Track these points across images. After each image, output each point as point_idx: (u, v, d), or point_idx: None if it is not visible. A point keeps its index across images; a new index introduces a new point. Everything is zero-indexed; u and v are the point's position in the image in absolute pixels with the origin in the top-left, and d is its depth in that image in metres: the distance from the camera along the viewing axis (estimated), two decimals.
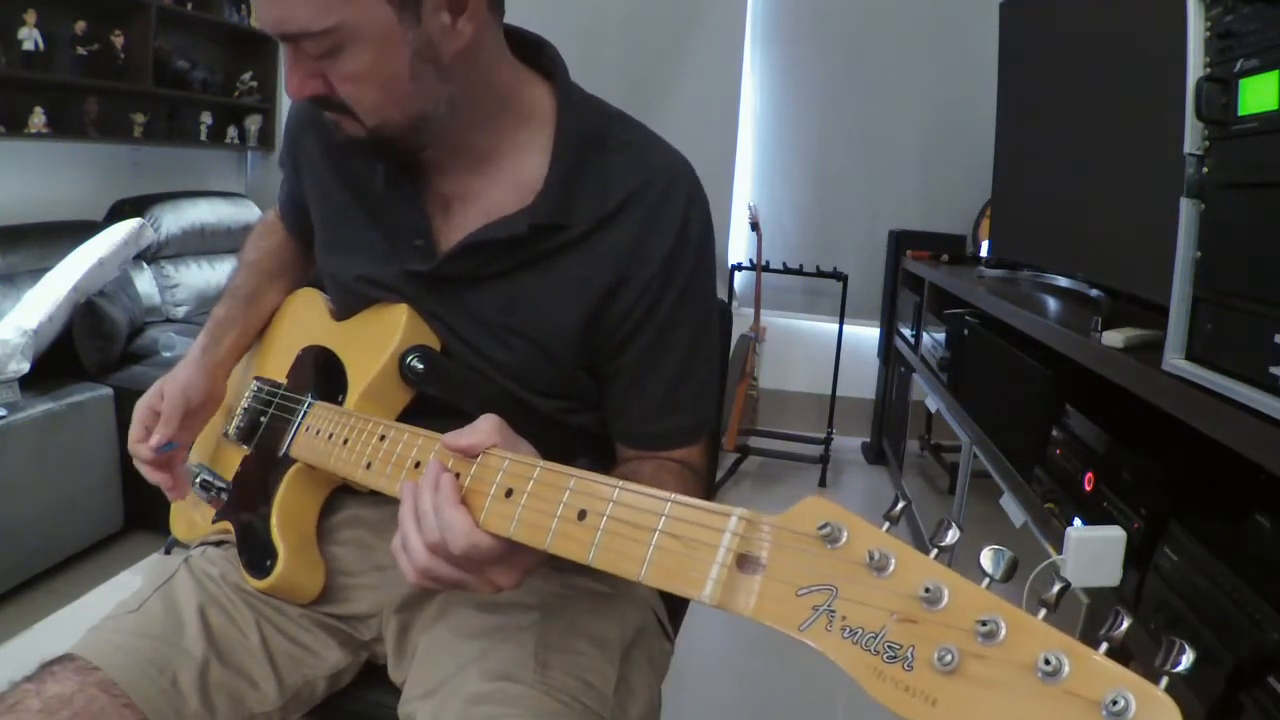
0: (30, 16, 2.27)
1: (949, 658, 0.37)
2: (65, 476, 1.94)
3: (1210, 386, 0.80)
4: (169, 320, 2.70)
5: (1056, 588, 0.39)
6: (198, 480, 0.90)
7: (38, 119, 2.37)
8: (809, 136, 3.34)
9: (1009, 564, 0.40)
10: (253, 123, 3.31)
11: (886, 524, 0.43)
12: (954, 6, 3.07)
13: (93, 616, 0.76)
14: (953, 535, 0.42)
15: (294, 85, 0.69)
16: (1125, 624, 0.36)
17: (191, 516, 0.95)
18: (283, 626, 0.80)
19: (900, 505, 0.45)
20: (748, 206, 3.13)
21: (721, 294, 3.17)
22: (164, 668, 0.71)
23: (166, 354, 2.27)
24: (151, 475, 0.85)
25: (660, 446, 0.80)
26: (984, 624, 0.37)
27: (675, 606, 0.93)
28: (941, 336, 2.13)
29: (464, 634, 0.76)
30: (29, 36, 2.27)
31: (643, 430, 0.81)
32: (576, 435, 0.84)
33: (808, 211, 3.39)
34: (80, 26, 2.44)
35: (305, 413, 0.83)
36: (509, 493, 0.58)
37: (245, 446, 0.89)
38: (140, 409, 0.86)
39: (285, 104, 3.30)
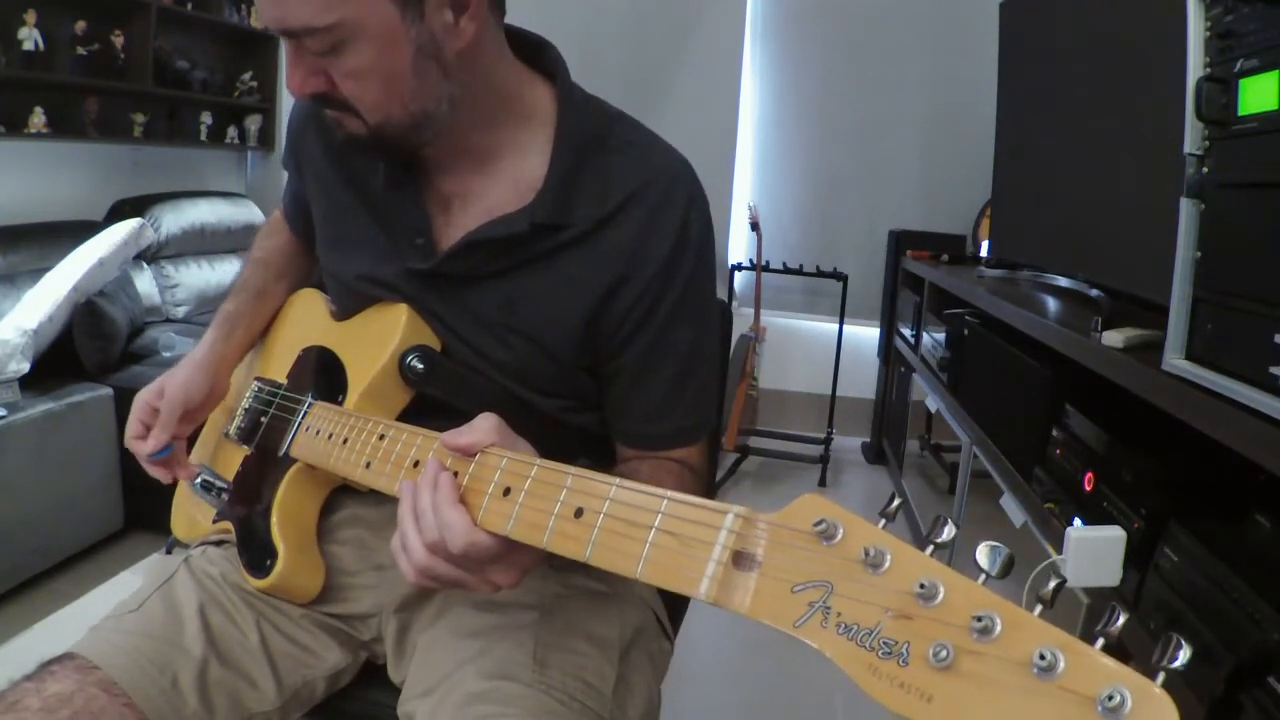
0: (30, 16, 2.27)
1: (944, 654, 0.36)
2: (65, 476, 1.94)
3: (1210, 386, 0.80)
4: (169, 320, 2.70)
5: (1053, 584, 0.39)
6: (199, 480, 0.90)
7: (38, 119, 2.37)
8: (809, 136, 3.34)
9: (1005, 560, 0.40)
10: (253, 123, 3.31)
11: (883, 521, 0.43)
12: (954, 6, 3.08)
13: (93, 616, 0.76)
14: (949, 532, 0.42)
15: (296, 82, 0.69)
16: (1121, 619, 0.36)
17: (192, 516, 0.96)
18: (282, 626, 0.80)
19: (896, 502, 0.45)
20: (748, 206, 3.12)
21: (721, 294, 3.17)
22: (164, 667, 0.71)
23: (166, 354, 2.27)
24: (149, 469, 0.87)
25: (660, 446, 0.80)
26: (979, 620, 0.36)
27: (675, 606, 0.93)
28: (941, 336, 2.13)
29: (463, 633, 0.76)
30: (29, 36, 2.27)
31: (643, 430, 0.81)
32: (576, 435, 0.84)
33: (808, 211, 3.39)
34: (80, 26, 2.44)
35: (305, 413, 0.83)
36: (507, 491, 0.59)
37: (246, 447, 0.89)
38: (139, 405, 0.87)
39: (285, 104, 3.31)
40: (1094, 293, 1.48)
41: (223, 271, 2.95)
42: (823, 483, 2.97)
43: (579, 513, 0.54)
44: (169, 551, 2.00)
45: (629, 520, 0.51)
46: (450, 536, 0.58)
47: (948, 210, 3.16)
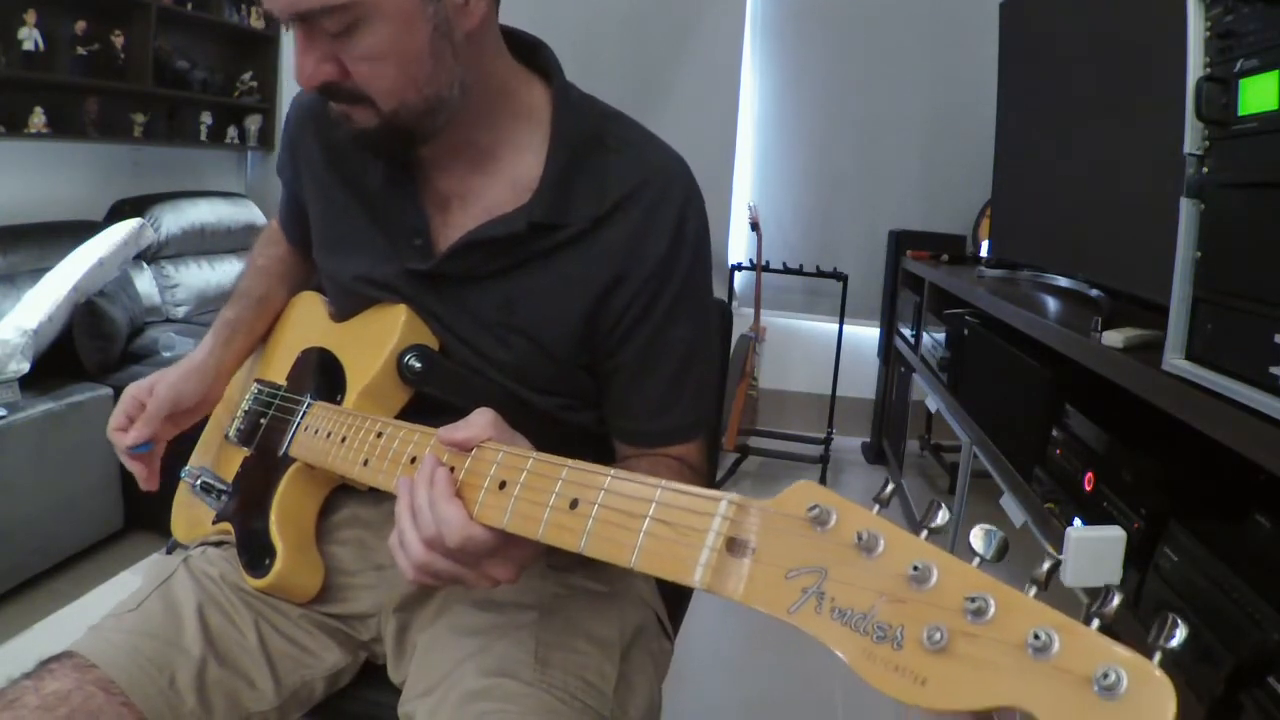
0: (30, 16, 2.27)
1: (938, 636, 0.36)
2: (65, 476, 1.94)
3: (1210, 386, 0.80)
4: (169, 320, 2.70)
5: (1047, 565, 0.38)
6: (198, 483, 0.90)
7: (38, 119, 2.37)
8: (809, 136, 3.34)
9: (1000, 544, 0.40)
10: (253, 123, 3.31)
11: (876, 507, 0.43)
12: (954, 6, 3.07)
13: (93, 616, 0.76)
14: (943, 516, 0.42)
15: (306, 72, 0.67)
16: (1116, 600, 0.35)
17: (192, 518, 0.96)
18: (281, 627, 0.80)
19: (890, 488, 0.45)
20: (748, 206, 3.12)
21: (721, 294, 3.17)
22: (162, 666, 0.71)
23: (166, 354, 2.27)
24: (126, 463, 0.86)
25: (658, 444, 0.80)
26: (973, 601, 0.36)
27: (675, 606, 0.93)
28: (941, 336, 2.13)
29: (462, 631, 0.76)
30: (29, 36, 2.27)
31: (641, 427, 0.81)
32: (575, 434, 0.84)
33: (808, 211, 3.38)
34: (80, 26, 2.44)
35: (304, 413, 0.83)
36: (503, 484, 0.59)
37: (245, 448, 0.89)
38: (127, 397, 0.87)
39: (285, 104, 3.30)
40: (1094, 293, 1.48)
41: (223, 271, 2.95)
42: (823, 483, 2.95)
43: (574, 504, 0.54)
44: (169, 552, 2.00)
45: (624, 510, 0.51)
46: (447, 531, 0.58)
47: (948, 210, 3.16)
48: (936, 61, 3.16)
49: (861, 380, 3.30)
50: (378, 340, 0.80)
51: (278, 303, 0.98)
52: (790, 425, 3.29)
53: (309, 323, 0.95)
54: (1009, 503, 1.39)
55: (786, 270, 3.13)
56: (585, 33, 3.16)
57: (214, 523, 0.88)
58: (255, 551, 0.80)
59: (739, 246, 3.36)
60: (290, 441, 0.83)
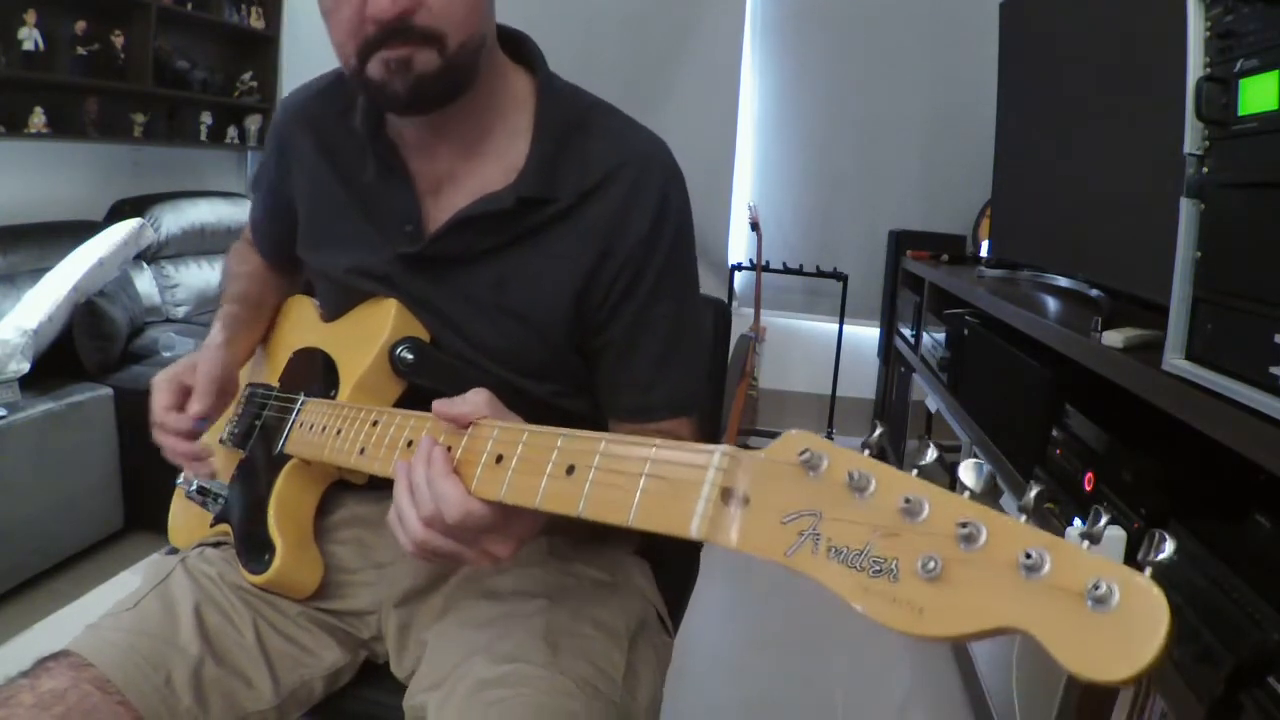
0: (30, 16, 2.27)
1: (933, 565, 0.37)
2: (65, 476, 1.94)
3: (1210, 386, 0.80)
4: (169, 320, 2.70)
5: (1034, 491, 0.39)
6: (194, 486, 0.90)
7: (38, 119, 2.37)
8: (809, 136, 3.33)
9: (988, 477, 0.41)
10: (253, 123, 3.31)
11: (865, 450, 0.44)
12: (954, 6, 3.07)
13: (92, 616, 0.76)
14: (931, 454, 0.43)
15: (383, 3, 0.66)
16: (1104, 520, 0.36)
17: (189, 525, 0.96)
18: (280, 626, 0.80)
19: (878, 432, 0.45)
20: (748, 206, 3.12)
21: (722, 294, 3.17)
22: (158, 665, 0.71)
23: (166, 354, 2.27)
24: (177, 446, 0.82)
25: (649, 419, 0.81)
26: (964, 527, 0.37)
27: (674, 604, 0.93)
28: (941, 336, 2.13)
29: (471, 624, 0.76)
30: (29, 36, 2.27)
31: (631, 403, 0.82)
32: (569, 421, 0.84)
33: (808, 211, 3.38)
34: (80, 26, 2.44)
35: (298, 410, 0.83)
36: (499, 459, 0.59)
37: (240, 450, 0.89)
38: (168, 379, 0.84)
39: None
40: (1094, 293, 1.48)
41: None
42: None
43: (570, 470, 0.54)
44: (171, 553, 2.00)
45: (619, 470, 0.51)
46: (445, 508, 0.59)
47: (948, 210, 3.16)
48: (936, 61, 3.16)
49: (861, 380, 3.30)
50: (369, 335, 0.80)
51: (268, 309, 0.99)
52: (790, 425, 3.27)
53: (299, 325, 0.95)
54: (1009, 503, 1.39)
55: (786, 270, 3.13)
56: (585, 33, 3.17)
57: (212, 524, 0.88)
58: (254, 548, 0.80)
59: (739, 246, 3.36)
60: (286, 439, 0.83)
